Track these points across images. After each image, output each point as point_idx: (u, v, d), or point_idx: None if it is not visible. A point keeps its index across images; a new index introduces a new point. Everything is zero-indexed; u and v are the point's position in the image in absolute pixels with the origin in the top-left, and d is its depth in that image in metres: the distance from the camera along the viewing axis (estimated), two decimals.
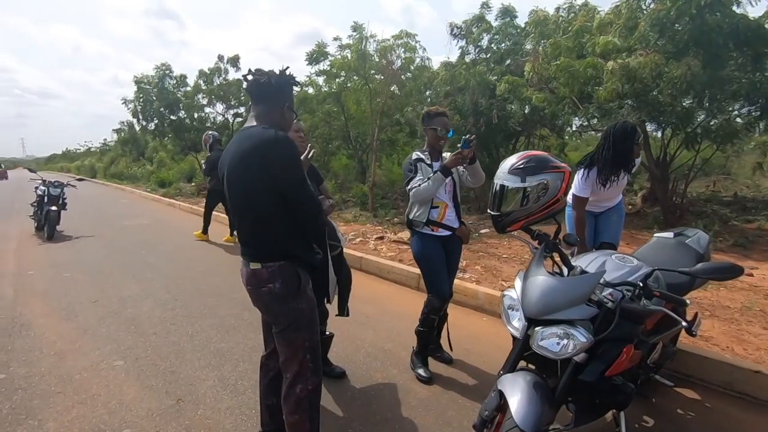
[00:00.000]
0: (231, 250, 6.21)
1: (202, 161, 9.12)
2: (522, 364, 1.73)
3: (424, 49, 9.40)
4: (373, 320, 3.49)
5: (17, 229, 8.00)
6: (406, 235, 6.19)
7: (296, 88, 1.79)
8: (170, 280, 4.62)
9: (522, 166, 1.76)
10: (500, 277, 4.26)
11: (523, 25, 9.06)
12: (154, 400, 2.37)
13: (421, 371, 2.61)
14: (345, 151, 12.79)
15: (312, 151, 2.16)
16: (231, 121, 15.76)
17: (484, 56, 9.51)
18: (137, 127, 18.21)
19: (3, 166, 28.73)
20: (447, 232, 2.59)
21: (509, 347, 1.78)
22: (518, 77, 7.47)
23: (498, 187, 1.81)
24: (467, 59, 9.58)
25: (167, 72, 14.81)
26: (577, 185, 2.83)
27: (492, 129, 8.07)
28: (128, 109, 15.14)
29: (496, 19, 9.27)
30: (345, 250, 5.18)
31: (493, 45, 9.47)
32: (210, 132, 6.91)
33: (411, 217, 2.63)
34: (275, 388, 1.80)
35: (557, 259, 1.82)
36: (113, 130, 24.56)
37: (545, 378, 1.60)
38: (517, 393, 1.48)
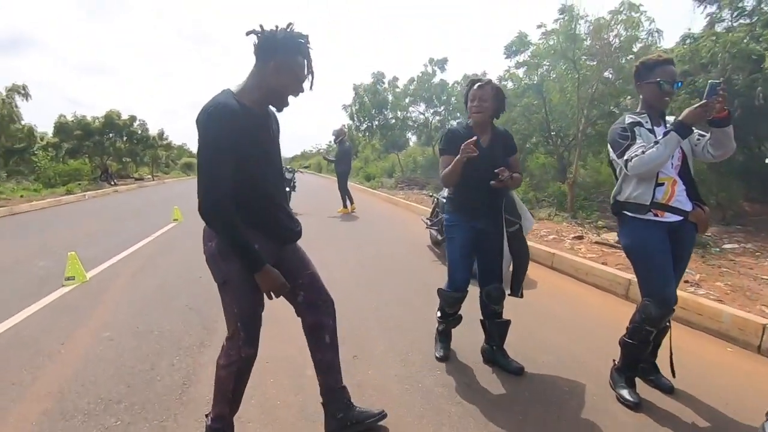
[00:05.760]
0: (417, 236, 6.25)
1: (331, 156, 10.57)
2: None
3: (652, 20, 7.73)
4: (565, 321, 2.97)
5: None
6: (612, 236, 5.20)
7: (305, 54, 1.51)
8: (362, 261, 5.03)
9: None
10: (759, 301, 3.07)
11: None
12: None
13: (625, 392, 2.02)
14: (543, 148, 11.77)
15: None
16: (431, 119, 16.64)
17: (747, 21, 7.27)
18: (353, 128, 21.11)
19: None
20: (677, 217, 1.93)
21: (762, 387, 1.17)
22: None
23: None
24: (718, 29, 7.50)
25: (380, 78, 17.14)
26: None
27: (753, 114, 6.09)
28: (347, 113, 17.88)
29: None
30: (534, 244, 4.71)
31: (763, 5, 7.16)
32: (340, 127, 9.23)
33: (623, 198, 2.00)
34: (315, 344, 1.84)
35: None
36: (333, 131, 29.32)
37: None
38: None
